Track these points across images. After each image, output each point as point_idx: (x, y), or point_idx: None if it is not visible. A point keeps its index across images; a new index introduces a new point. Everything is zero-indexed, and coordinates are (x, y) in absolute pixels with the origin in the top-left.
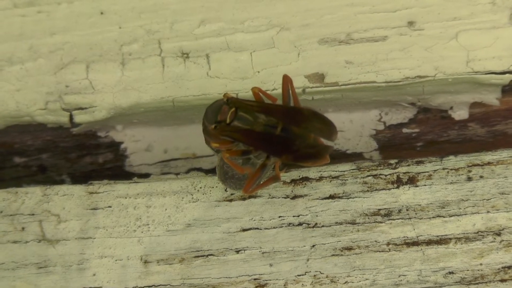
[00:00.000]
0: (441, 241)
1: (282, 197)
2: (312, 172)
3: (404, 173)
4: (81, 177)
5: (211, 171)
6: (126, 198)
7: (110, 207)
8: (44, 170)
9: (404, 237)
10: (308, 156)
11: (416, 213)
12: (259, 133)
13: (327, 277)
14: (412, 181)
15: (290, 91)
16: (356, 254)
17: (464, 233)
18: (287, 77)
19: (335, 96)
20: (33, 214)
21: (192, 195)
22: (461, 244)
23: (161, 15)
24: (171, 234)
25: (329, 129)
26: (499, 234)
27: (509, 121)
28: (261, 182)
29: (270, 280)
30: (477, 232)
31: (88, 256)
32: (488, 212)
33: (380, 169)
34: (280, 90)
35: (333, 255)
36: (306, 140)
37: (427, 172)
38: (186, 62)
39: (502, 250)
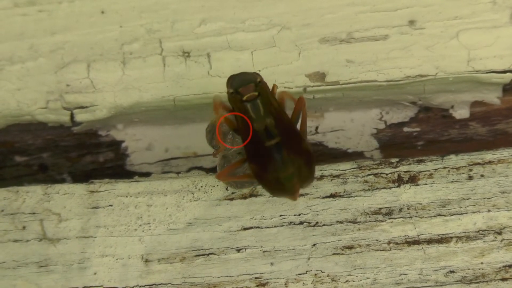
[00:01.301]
0: (442, 240)
1: None
2: None
3: (405, 172)
4: (82, 176)
5: (212, 170)
6: (127, 197)
7: (111, 206)
8: (45, 169)
9: (405, 236)
10: (276, 190)
11: (417, 212)
12: (254, 131)
13: (328, 276)
14: (413, 180)
15: (301, 114)
16: (357, 253)
17: (465, 232)
18: (302, 100)
19: (336, 95)
20: (34, 213)
21: (193, 194)
22: (462, 243)
23: (162, 14)
24: (172, 233)
25: (307, 176)
26: (500, 233)
27: (510, 120)
28: (238, 175)
29: (271, 279)
30: (478, 231)
31: (89, 255)
32: (489, 211)
33: (381, 168)
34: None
35: (334, 254)
36: (287, 173)
37: (428, 171)
38: (187, 61)
39: (503, 249)
